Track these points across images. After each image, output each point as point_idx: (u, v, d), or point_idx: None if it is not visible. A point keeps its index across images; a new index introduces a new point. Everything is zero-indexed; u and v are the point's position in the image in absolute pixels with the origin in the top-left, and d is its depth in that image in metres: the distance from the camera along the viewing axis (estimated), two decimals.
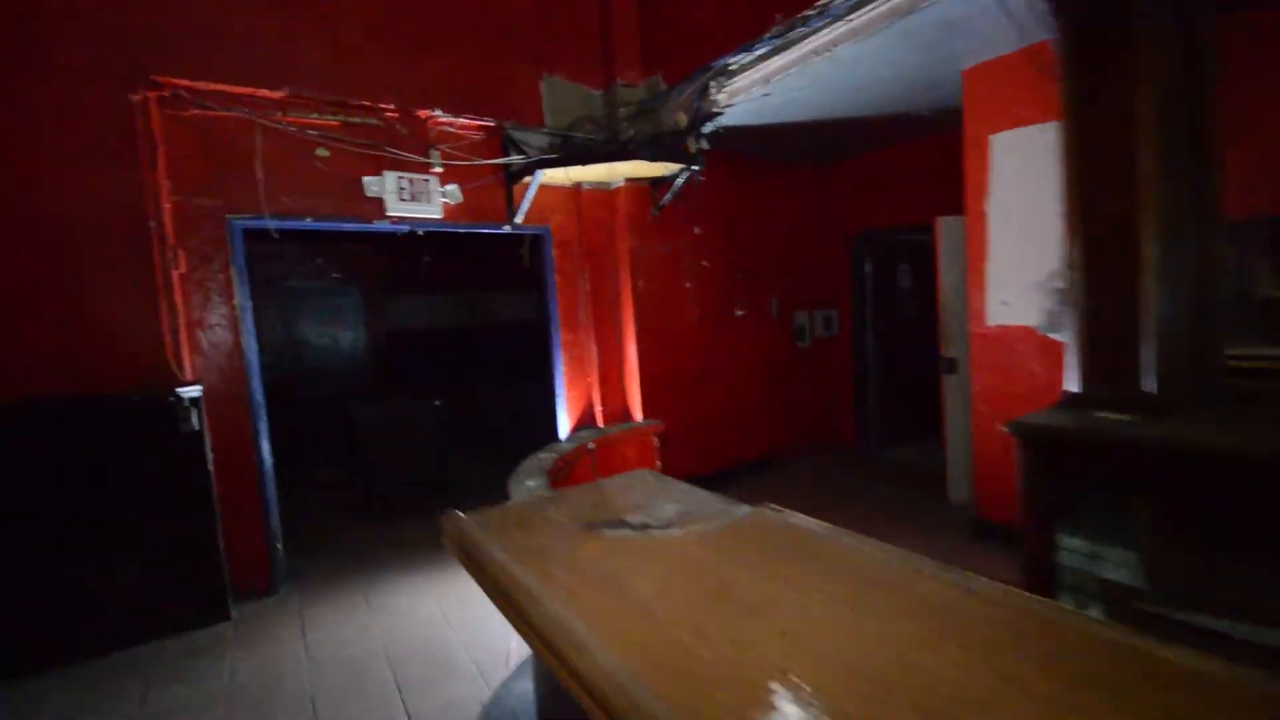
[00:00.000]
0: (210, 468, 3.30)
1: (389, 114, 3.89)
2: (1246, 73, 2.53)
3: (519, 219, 4.43)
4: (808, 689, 0.75)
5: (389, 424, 4.92)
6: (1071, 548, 2.08)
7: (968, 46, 3.35)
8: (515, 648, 2.98)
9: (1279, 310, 2.53)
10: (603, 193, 4.79)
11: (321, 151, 3.72)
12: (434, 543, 4.48)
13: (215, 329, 3.48)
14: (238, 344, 3.53)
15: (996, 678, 0.76)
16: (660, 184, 4.69)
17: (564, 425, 4.85)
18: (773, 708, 0.72)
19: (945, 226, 4.30)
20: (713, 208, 5.02)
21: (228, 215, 3.49)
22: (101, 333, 3.11)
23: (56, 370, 3.01)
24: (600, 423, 4.90)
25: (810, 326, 5.97)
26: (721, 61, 3.68)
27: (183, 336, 3.32)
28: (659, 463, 4.78)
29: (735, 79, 3.67)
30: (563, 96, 4.48)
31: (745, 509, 1.32)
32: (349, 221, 3.85)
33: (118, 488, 3.06)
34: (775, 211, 5.62)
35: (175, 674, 2.89)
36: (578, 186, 4.70)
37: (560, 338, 4.79)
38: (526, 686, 2.29)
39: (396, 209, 3.91)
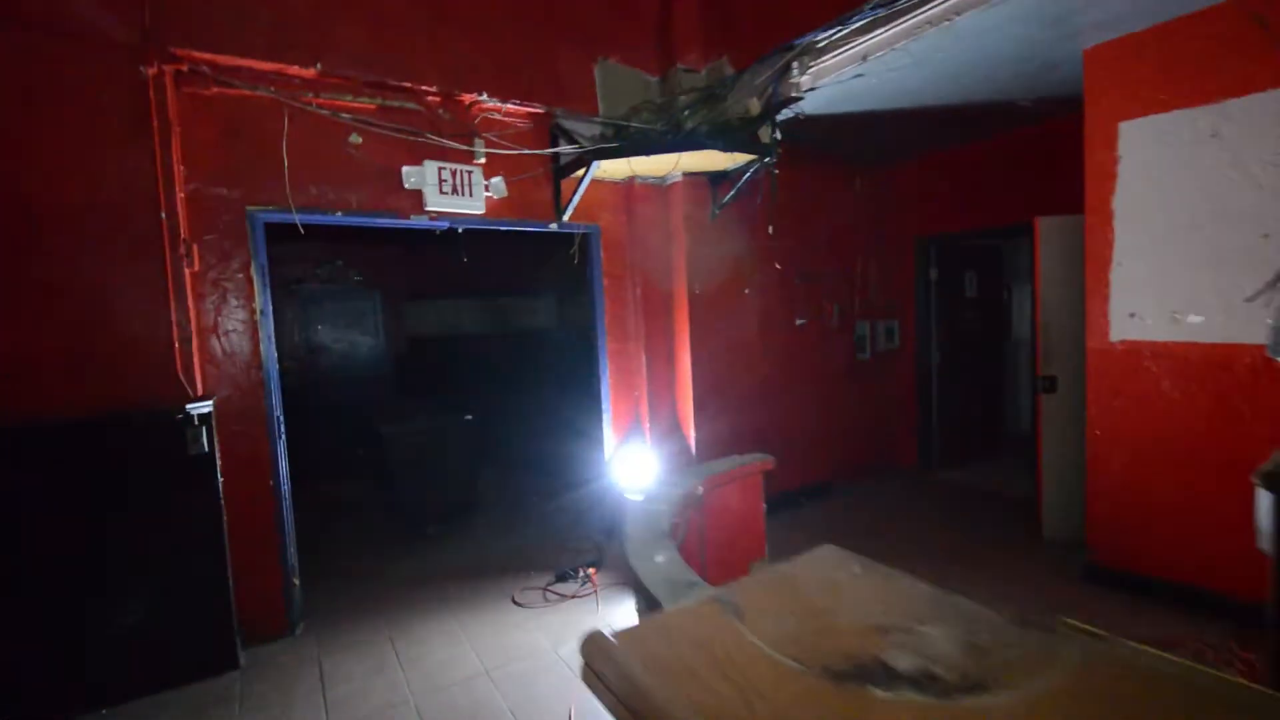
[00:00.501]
0: (221, 494, 2.88)
1: (430, 98, 3.49)
2: None
3: (567, 216, 4.01)
4: None
5: (418, 441, 4.49)
6: None
7: (1096, 19, 2.89)
8: (576, 708, 2.52)
9: None
10: (656, 189, 4.36)
11: (355, 138, 3.32)
12: (465, 575, 4.11)
13: (231, 336, 3.07)
14: (256, 353, 3.12)
15: None
16: (720, 180, 4.25)
17: (609, 440, 4.40)
18: None
19: (1048, 228, 3.83)
20: (766, 207, 4.57)
21: (249, 207, 3.10)
22: (101, 341, 2.70)
23: (47, 385, 2.59)
24: (648, 438, 4.45)
25: (871, 338, 5.49)
26: (808, 38, 3.25)
27: (194, 344, 2.91)
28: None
29: (824, 57, 3.24)
30: (617, 82, 4.06)
31: (1068, 640, 0.84)
32: (383, 216, 3.44)
33: (111, 518, 2.64)
34: (835, 213, 5.16)
35: None
36: (630, 181, 4.28)
37: (607, 346, 4.35)
38: None
39: (436, 203, 3.50)
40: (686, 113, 3.93)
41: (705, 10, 4.07)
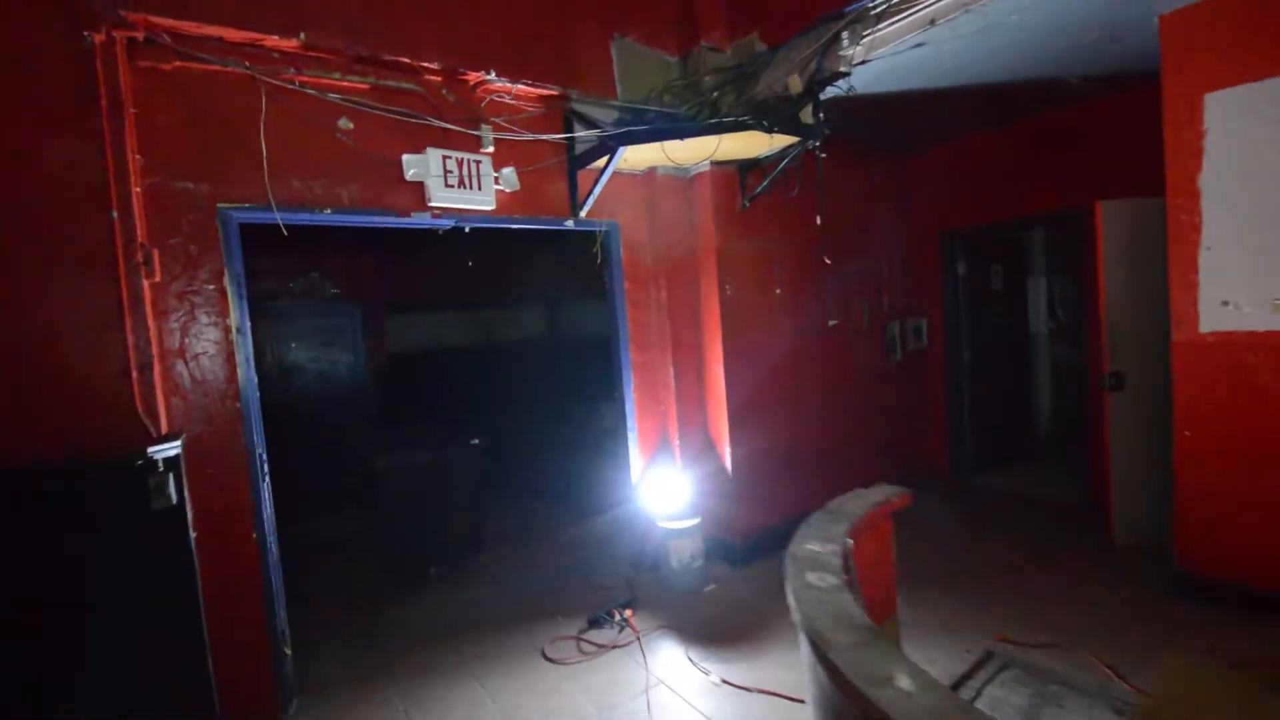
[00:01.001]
0: (194, 554, 2.36)
1: (431, 76, 3.04)
2: None
3: (584, 212, 3.59)
4: None
5: (420, 473, 3.99)
6: None
7: None
8: None
9: None
10: (679, 181, 3.98)
11: (344, 122, 2.85)
12: (483, 624, 3.40)
13: (202, 360, 2.56)
14: (232, 379, 2.61)
15: None
16: (751, 169, 3.89)
17: (635, 461, 3.97)
18: None
19: (1111, 212, 3.56)
20: (801, 198, 4.22)
21: (220, 205, 2.60)
22: (34, 373, 2.17)
23: None
24: (677, 458, 4.03)
25: (901, 337, 5.19)
26: (861, 4, 2.91)
27: (156, 372, 2.39)
28: (742, 507, 3.93)
29: (883, 24, 2.90)
30: (635, 63, 3.68)
31: None
32: (380, 215, 2.97)
33: (53, 599, 2.10)
34: (858, 205, 4.85)
35: None
36: (651, 173, 3.89)
37: (630, 358, 3.92)
38: None
39: (441, 197, 3.04)
40: (715, 94, 3.56)
41: None
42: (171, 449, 2.28)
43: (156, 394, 2.36)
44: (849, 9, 2.97)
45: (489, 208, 3.23)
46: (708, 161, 3.77)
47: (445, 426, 4.38)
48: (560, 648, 3.17)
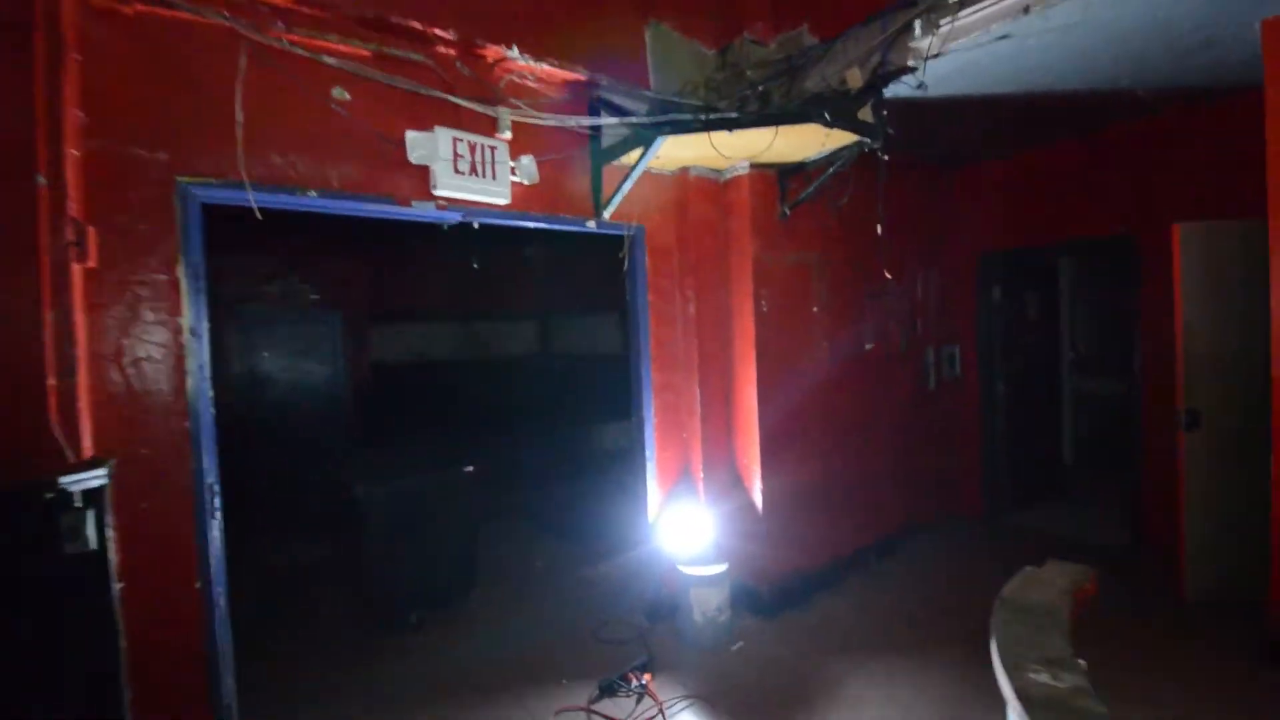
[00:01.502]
0: (116, 610, 1.85)
1: (444, 47, 2.63)
2: None
3: (609, 213, 3.18)
4: None
5: (405, 502, 3.48)
6: None
7: None
8: None
9: None
10: (713, 184, 3.60)
11: (339, 92, 2.42)
12: (474, 687, 2.84)
13: (144, 366, 2.08)
14: (180, 391, 2.13)
15: None
16: (793, 173, 3.53)
17: (653, 496, 3.51)
18: None
19: (1190, 237, 3.25)
20: (844, 209, 3.87)
21: (180, 178, 2.15)
22: None
23: None
24: (701, 493, 3.58)
25: (936, 365, 4.83)
26: None
27: (82, 379, 1.90)
28: (772, 550, 3.49)
29: (965, 12, 2.57)
30: (669, 52, 3.31)
31: None
32: (376, 202, 2.54)
33: None
34: (895, 221, 4.50)
35: None
36: (683, 174, 3.50)
37: (651, 378, 3.49)
38: None
39: (449, 186, 2.61)
40: (760, 88, 3.20)
41: None
42: (94, 478, 1.79)
43: (80, 408, 1.87)
44: None
45: (503, 201, 2.81)
46: (747, 163, 3.40)
47: (436, 450, 3.88)
48: None
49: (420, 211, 2.65)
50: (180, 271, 2.13)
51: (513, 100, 2.79)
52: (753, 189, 3.44)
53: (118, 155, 2.04)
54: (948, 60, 2.82)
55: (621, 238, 3.39)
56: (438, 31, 2.56)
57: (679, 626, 3.32)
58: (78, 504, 1.75)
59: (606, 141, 3.10)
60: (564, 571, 4.16)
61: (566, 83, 3.00)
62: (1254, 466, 3.27)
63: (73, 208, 1.92)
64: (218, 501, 2.22)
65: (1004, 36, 2.63)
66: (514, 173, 2.83)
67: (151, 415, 2.06)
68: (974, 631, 3.25)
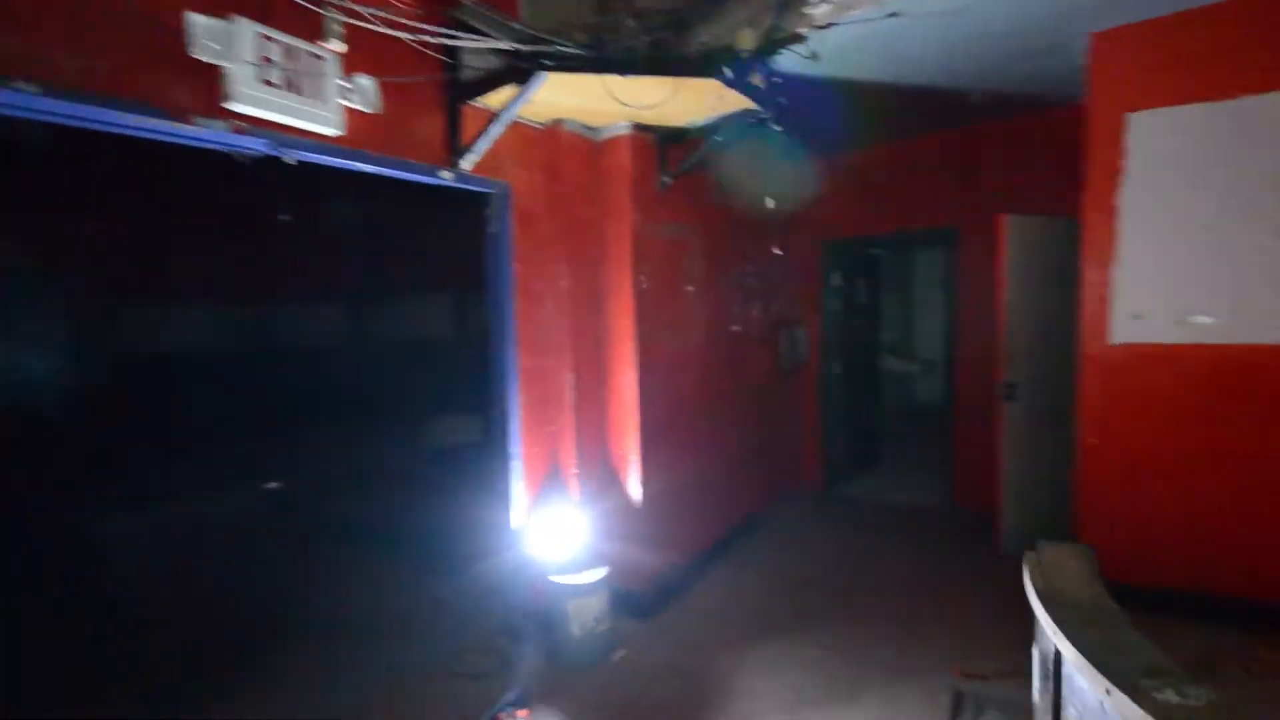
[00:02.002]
0: None
1: None
2: None
3: (469, 163, 2.67)
4: None
5: (176, 539, 2.63)
6: None
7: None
8: None
9: None
10: (588, 144, 3.24)
11: None
12: None
13: None
14: None
15: None
16: (673, 141, 3.32)
17: (519, 501, 3.11)
18: None
19: (1014, 227, 3.68)
20: (707, 190, 3.77)
21: None
22: None
23: None
24: (574, 491, 3.26)
25: (789, 347, 5.04)
26: None
27: None
28: (652, 548, 3.32)
29: None
30: None
31: None
32: (138, 112, 1.77)
33: None
34: (755, 204, 4.57)
35: None
36: (555, 129, 3.09)
37: (518, 363, 3.06)
38: None
39: (252, 101, 1.93)
40: (644, 38, 2.91)
41: None
42: None
43: None
44: None
45: (331, 131, 2.17)
46: (627, 124, 3.10)
47: (224, 464, 3.01)
48: None
49: (206, 133, 1.91)
50: None
51: (349, 3, 2.15)
52: (634, 152, 3.16)
53: None
54: (842, 32, 2.79)
55: (482, 196, 2.89)
56: None
57: (554, 644, 2.99)
58: None
59: (469, 74, 2.57)
60: (409, 596, 3.54)
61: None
62: (1059, 433, 3.87)
63: None
64: None
65: (894, 14, 2.66)
66: (347, 95, 2.19)
67: None
68: (844, 599, 3.43)
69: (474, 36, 2.42)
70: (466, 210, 2.87)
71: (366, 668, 2.95)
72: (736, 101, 2.82)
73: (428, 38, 2.34)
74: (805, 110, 3.92)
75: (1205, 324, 2.91)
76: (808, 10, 2.70)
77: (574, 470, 3.26)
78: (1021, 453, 3.82)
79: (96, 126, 1.76)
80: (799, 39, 2.79)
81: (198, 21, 1.77)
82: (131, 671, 2.61)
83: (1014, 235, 3.67)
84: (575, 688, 2.79)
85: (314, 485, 3.17)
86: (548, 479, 3.26)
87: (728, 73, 2.46)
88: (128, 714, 2.51)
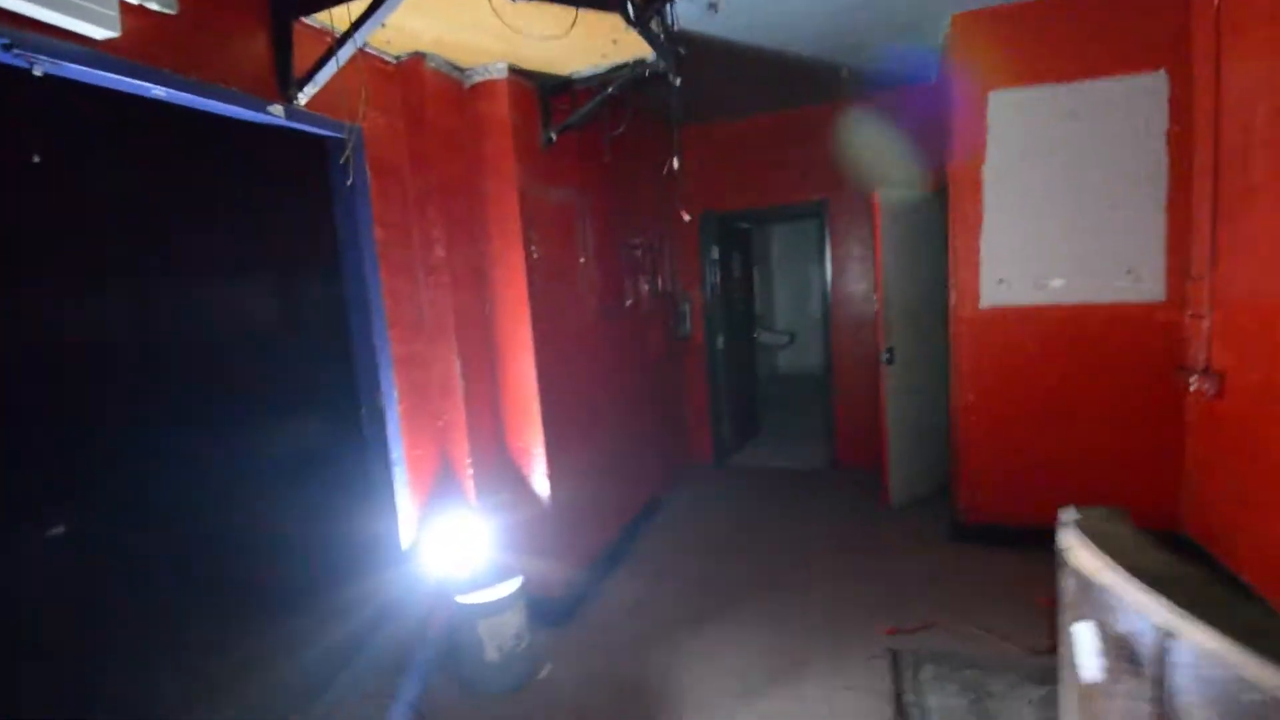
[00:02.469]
0: None
1: None
2: None
3: (305, 97, 2.14)
4: None
5: None
6: None
7: None
8: None
9: None
10: (455, 87, 2.78)
11: None
12: None
13: None
14: None
15: None
16: (556, 92, 2.97)
17: (406, 512, 2.64)
18: None
19: (889, 199, 3.85)
20: (594, 151, 3.48)
21: None
22: None
23: None
24: (471, 494, 2.85)
25: (678, 323, 4.93)
26: None
27: None
28: (565, 548, 3.01)
29: None
30: None
31: None
32: None
33: None
34: (643, 174, 4.36)
35: None
36: (416, 64, 2.59)
37: (390, 349, 2.57)
38: None
39: None
40: None
41: None
42: None
43: None
44: None
45: (103, 34, 1.56)
46: (505, 65, 2.70)
47: None
48: None
49: None
50: None
51: None
52: (513, 101, 2.76)
53: None
54: None
55: (328, 141, 2.35)
56: None
57: (468, 673, 2.58)
58: None
59: None
60: (268, 642, 2.87)
61: None
62: (934, 393, 4.15)
63: None
64: None
65: None
66: None
67: None
68: (763, 572, 3.39)
69: None
70: (308, 159, 2.31)
71: None
72: (632, 48, 2.56)
73: None
74: (693, 72, 3.79)
75: (1059, 286, 3.24)
76: None
77: (469, 470, 2.83)
78: (903, 412, 4.06)
79: None
80: None
81: None
82: None
83: (885, 208, 3.84)
84: (501, 716, 2.42)
85: (114, 523, 2.41)
86: (439, 483, 2.80)
87: (630, 9, 2.18)
88: None
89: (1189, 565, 1.10)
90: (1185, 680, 0.93)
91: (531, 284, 2.86)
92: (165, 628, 2.53)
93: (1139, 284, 3.11)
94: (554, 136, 2.97)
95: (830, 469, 5.11)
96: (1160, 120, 2.98)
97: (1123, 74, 3.01)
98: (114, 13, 1.56)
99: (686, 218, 3.88)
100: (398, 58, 2.58)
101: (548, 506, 2.97)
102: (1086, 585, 1.28)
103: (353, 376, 2.62)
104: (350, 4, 2.01)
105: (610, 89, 2.81)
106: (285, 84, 2.11)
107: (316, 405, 2.82)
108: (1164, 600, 0.98)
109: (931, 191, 4.20)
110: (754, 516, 4.24)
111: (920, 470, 4.24)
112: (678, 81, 2.66)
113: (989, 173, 3.28)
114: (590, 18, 2.23)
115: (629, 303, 3.97)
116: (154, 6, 1.66)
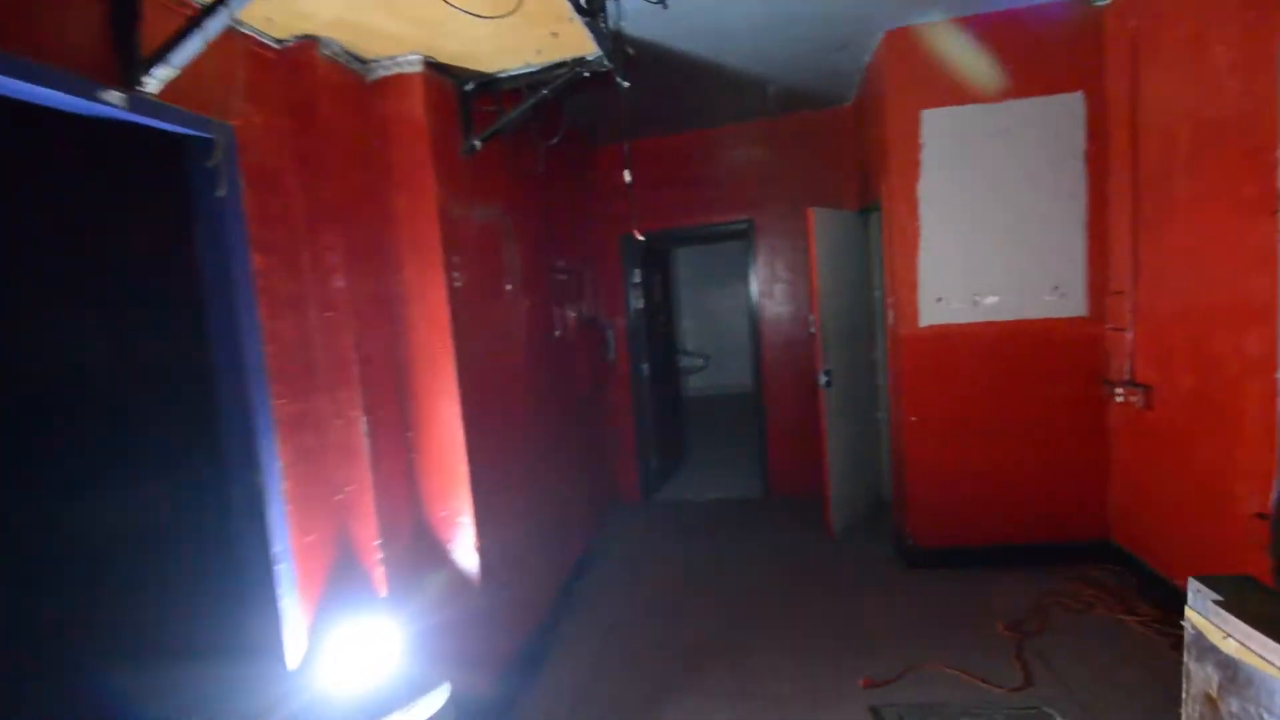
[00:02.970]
0: None
1: None
2: None
3: (158, 81, 1.61)
4: None
5: None
6: None
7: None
8: None
9: None
10: (356, 81, 2.30)
11: None
12: None
13: None
14: None
15: None
16: (478, 93, 2.57)
17: (294, 620, 2.08)
18: None
19: (821, 219, 3.79)
20: (522, 163, 3.11)
21: None
22: None
23: None
24: (381, 584, 2.32)
25: (603, 351, 4.60)
26: None
27: None
28: (498, 630, 2.57)
29: None
30: None
31: None
32: None
33: None
34: (568, 194, 4.02)
35: None
36: (306, 51, 2.09)
37: (272, 408, 2.02)
38: None
39: None
40: None
41: None
42: None
43: None
44: None
45: None
46: (419, 57, 2.27)
47: None
48: None
49: None
50: None
51: None
52: (430, 100, 2.33)
53: None
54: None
55: (188, 141, 1.80)
56: None
57: None
58: None
59: None
60: None
61: None
62: (866, 412, 4.12)
63: None
64: None
65: None
66: None
67: None
68: (720, 629, 3.11)
69: None
70: (161, 165, 1.75)
71: None
72: (574, 43, 2.23)
73: None
74: (633, 82, 3.52)
75: (993, 303, 3.29)
76: None
77: (378, 555, 2.30)
78: (841, 437, 3.99)
79: None
80: None
81: None
82: None
83: (819, 228, 3.78)
84: None
85: None
86: (339, 575, 2.25)
87: None
88: None
89: None
90: None
91: (455, 319, 2.41)
92: None
93: (1065, 300, 3.24)
94: (478, 144, 2.56)
95: (764, 497, 4.98)
96: (1078, 140, 3.13)
97: (1044, 94, 3.13)
98: None
99: (640, 238, 3.57)
100: (282, 41, 2.07)
101: (477, 586, 2.50)
102: (1249, 676, 1.12)
103: (217, 446, 2.03)
104: None
105: (546, 90, 2.46)
106: (129, 65, 1.57)
107: (167, 484, 2.18)
108: None
109: (855, 211, 4.23)
110: (695, 563, 3.95)
111: (857, 491, 4.21)
112: (626, 84, 2.37)
113: (924, 190, 3.29)
114: (532, 2, 1.88)
115: (557, 333, 3.59)
116: None
